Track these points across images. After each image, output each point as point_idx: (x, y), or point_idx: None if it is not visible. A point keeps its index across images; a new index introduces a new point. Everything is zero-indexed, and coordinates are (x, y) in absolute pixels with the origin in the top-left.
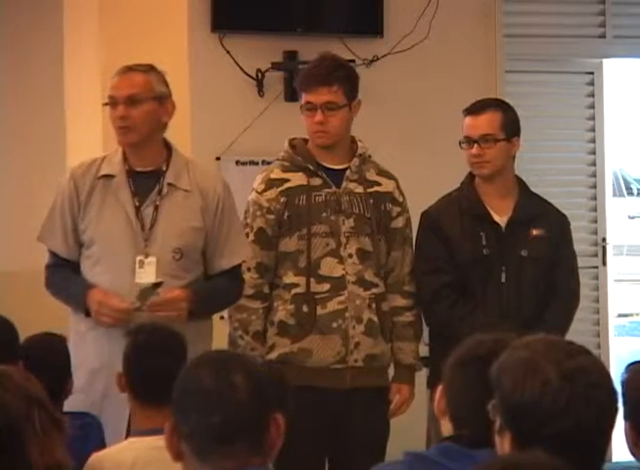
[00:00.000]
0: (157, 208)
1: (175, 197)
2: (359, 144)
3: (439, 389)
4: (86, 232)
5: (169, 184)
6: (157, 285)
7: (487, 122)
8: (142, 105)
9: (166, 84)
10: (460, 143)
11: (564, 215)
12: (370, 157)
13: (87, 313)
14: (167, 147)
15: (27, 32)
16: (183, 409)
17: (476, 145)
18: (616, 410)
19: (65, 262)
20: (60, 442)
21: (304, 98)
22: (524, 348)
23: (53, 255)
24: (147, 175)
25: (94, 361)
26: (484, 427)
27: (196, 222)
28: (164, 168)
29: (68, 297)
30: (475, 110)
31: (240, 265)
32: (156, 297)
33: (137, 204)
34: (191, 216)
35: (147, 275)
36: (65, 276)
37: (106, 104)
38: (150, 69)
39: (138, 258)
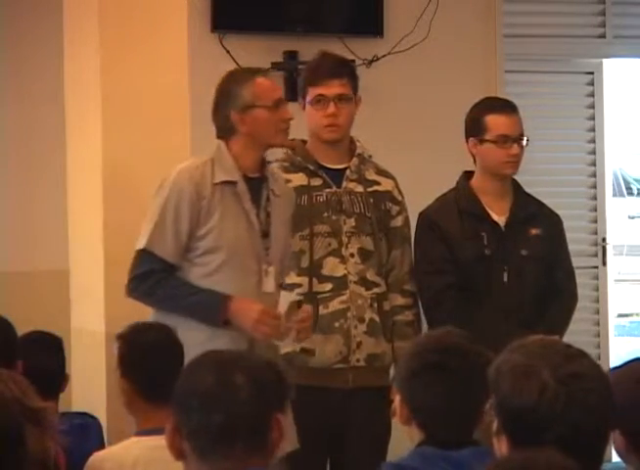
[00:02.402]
0: (269, 214)
1: (276, 203)
2: (357, 144)
3: (397, 399)
4: (206, 238)
5: (271, 190)
6: (299, 304)
7: (520, 122)
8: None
9: None
10: (491, 141)
11: (557, 215)
12: (370, 157)
13: (223, 323)
14: None
15: (27, 32)
16: (184, 409)
17: (515, 144)
18: (613, 413)
19: (169, 268)
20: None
21: (314, 92)
22: (521, 351)
23: (153, 261)
24: (255, 181)
25: None
26: (458, 427)
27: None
28: (266, 174)
29: (193, 304)
30: (509, 108)
31: None
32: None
33: (255, 211)
34: (284, 223)
35: (269, 285)
36: (180, 283)
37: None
38: None
39: (264, 266)
